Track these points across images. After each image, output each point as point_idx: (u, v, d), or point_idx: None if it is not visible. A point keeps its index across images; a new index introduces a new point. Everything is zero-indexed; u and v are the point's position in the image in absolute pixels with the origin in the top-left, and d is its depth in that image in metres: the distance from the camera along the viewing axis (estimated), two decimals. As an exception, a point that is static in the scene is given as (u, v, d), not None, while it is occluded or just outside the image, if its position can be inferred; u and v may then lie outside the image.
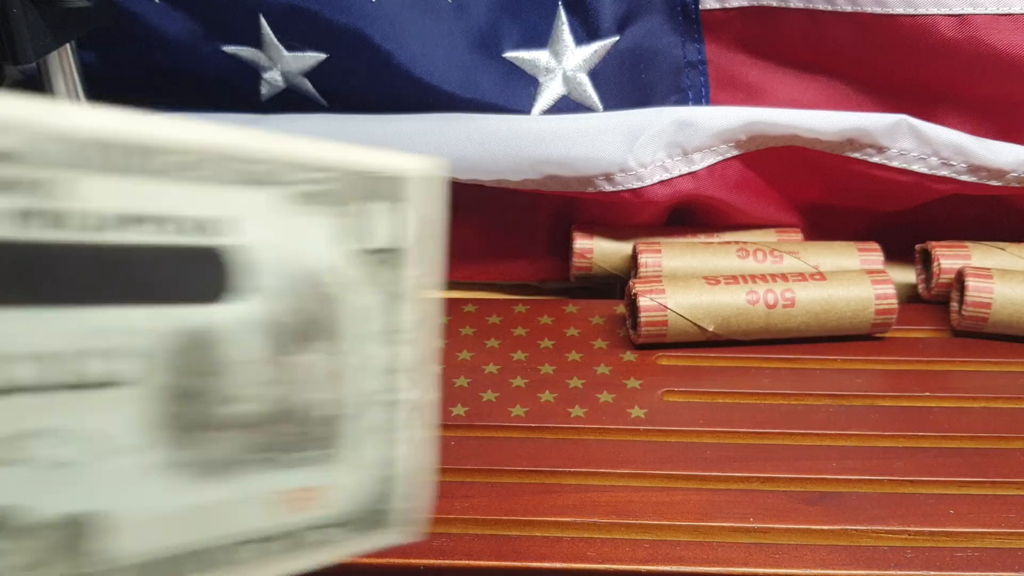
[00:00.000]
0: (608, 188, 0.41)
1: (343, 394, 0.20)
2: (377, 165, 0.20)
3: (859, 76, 0.42)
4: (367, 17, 0.41)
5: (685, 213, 0.44)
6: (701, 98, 0.44)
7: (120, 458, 0.17)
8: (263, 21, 0.43)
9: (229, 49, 0.44)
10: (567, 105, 0.43)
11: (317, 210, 0.19)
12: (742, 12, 0.42)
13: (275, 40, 0.43)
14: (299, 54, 0.43)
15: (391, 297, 0.20)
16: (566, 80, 0.43)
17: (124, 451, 0.17)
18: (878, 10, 0.40)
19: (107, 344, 0.16)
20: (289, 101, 0.44)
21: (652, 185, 0.41)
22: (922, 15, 0.39)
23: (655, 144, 0.40)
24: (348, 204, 0.19)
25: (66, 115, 0.15)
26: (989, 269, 0.39)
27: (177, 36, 0.43)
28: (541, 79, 0.43)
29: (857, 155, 0.41)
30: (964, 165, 0.40)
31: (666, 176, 0.41)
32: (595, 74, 0.42)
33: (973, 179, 0.40)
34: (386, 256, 0.20)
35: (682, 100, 0.44)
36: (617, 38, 0.42)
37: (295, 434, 0.19)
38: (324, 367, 0.19)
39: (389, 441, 0.21)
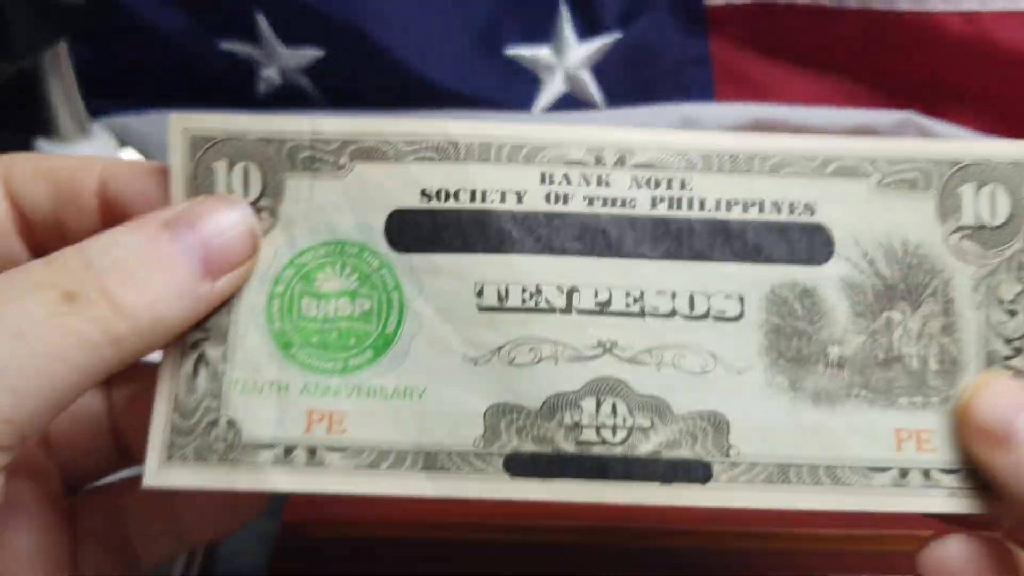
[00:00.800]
0: (611, 187, 0.40)
1: (949, 351, 0.23)
2: (960, 153, 0.24)
3: (865, 73, 0.42)
4: (366, 13, 0.41)
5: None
6: (706, 95, 0.44)
7: (736, 375, 0.23)
8: (260, 17, 0.42)
9: (225, 45, 0.43)
10: (568, 103, 0.42)
11: (906, 194, 0.23)
12: (747, 8, 0.42)
13: (272, 36, 0.42)
14: (297, 50, 0.42)
15: (986, 270, 0.23)
16: (568, 78, 0.42)
17: (740, 369, 0.23)
18: (885, 7, 0.39)
19: (728, 288, 0.23)
20: (286, 98, 0.44)
21: (655, 184, 0.40)
22: (930, 12, 0.39)
23: (658, 142, 0.40)
24: (934, 188, 0.23)
25: (680, 136, 0.23)
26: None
27: (172, 32, 0.43)
28: (542, 76, 0.42)
29: (863, 153, 0.40)
30: (972, 163, 0.40)
31: (669, 175, 0.40)
32: (598, 70, 0.42)
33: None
34: (974, 232, 0.23)
35: (686, 97, 0.44)
36: (620, 34, 0.42)
37: (897, 380, 0.23)
38: (916, 324, 0.23)
39: None
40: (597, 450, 0.23)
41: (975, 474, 0.22)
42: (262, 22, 0.42)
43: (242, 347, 0.23)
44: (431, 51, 0.41)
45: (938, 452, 0.23)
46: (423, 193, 0.23)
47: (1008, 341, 0.23)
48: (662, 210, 0.23)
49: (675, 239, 0.23)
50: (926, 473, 0.23)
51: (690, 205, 0.23)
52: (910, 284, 0.23)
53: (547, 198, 0.23)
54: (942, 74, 0.40)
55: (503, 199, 0.23)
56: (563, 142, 0.24)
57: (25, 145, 0.42)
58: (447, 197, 0.23)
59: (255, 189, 0.23)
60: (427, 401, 0.23)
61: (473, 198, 0.23)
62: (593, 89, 0.42)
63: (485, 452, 0.22)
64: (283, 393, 0.23)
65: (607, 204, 0.23)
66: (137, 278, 0.20)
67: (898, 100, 0.42)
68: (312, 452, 0.22)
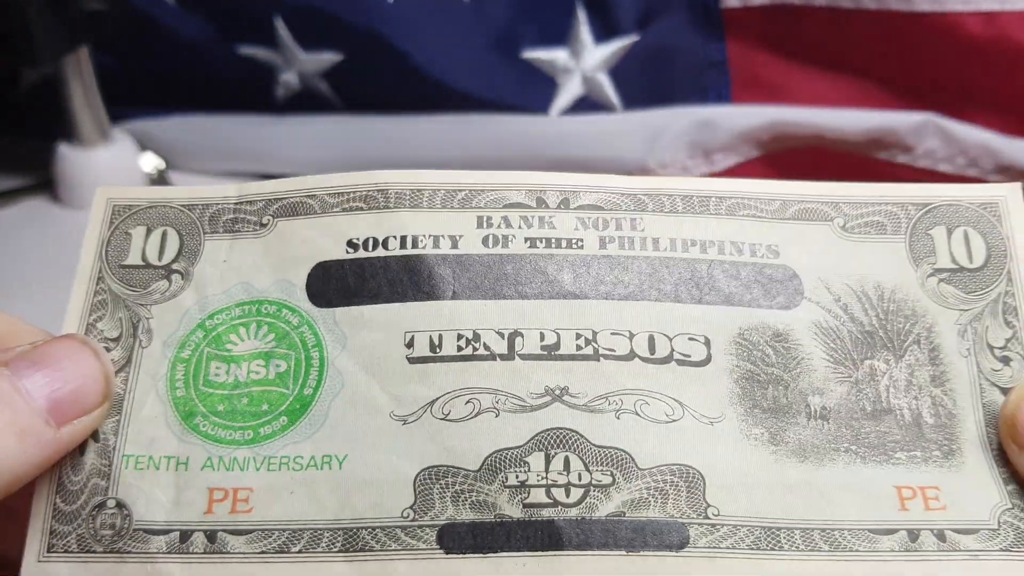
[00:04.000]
0: (628, 189, 0.40)
1: (943, 403, 0.21)
2: (927, 195, 0.23)
3: (884, 74, 0.42)
4: (384, 17, 0.41)
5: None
6: (723, 97, 0.43)
7: (708, 425, 0.20)
8: (278, 22, 0.42)
9: (244, 51, 0.43)
10: (586, 106, 0.42)
11: (874, 237, 0.22)
12: (764, 10, 0.41)
13: (291, 40, 0.42)
14: (315, 55, 0.43)
15: (970, 315, 0.22)
16: (585, 81, 0.42)
17: (711, 419, 0.20)
18: (904, 8, 0.39)
19: (692, 330, 0.21)
20: (305, 103, 0.44)
21: (673, 186, 0.40)
22: (949, 12, 0.39)
23: (676, 145, 0.40)
24: (903, 231, 0.22)
25: (627, 180, 0.22)
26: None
27: (192, 38, 0.43)
28: (559, 79, 0.42)
29: (882, 155, 0.40)
30: (992, 165, 0.39)
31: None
32: (615, 73, 0.42)
33: (1001, 179, 0.39)
34: (952, 276, 0.22)
35: (703, 100, 0.44)
36: (637, 36, 0.42)
37: (890, 433, 0.21)
38: (903, 374, 0.21)
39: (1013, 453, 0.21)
40: (548, 513, 0.19)
41: (1004, 532, 0.20)
42: (280, 27, 0.42)
43: (137, 418, 0.21)
44: (448, 55, 0.41)
45: (950, 510, 0.20)
46: (349, 243, 0.22)
47: (1005, 391, 0.21)
48: (612, 250, 0.22)
49: (628, 278, 0.22)
50: (940, 534, 0.20)
51: (643, 245, 0.22)
52: (890, 331, 0.22)
53: (485, 241, 0.22)
54: (961, 75, 0.40)
55: (436, 244, 0.22)
56: (502, 186, 0.22)
57: (47, 149, 0.43)
58: (375, 245, 0.22)
59: (170, 252, 0.22)
60: (348, 469, 0.20)
61: (404, 244, 0.22)
62: (610, 92, 0.42)
63: (415, 525, 0.19)
64: (182, 470, 0.20)
65: (551, 245, 0.22)
66: None
67: (917, 102, 0.41)
68: (212, 536, 0.19)
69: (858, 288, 0.22)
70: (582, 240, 0.22)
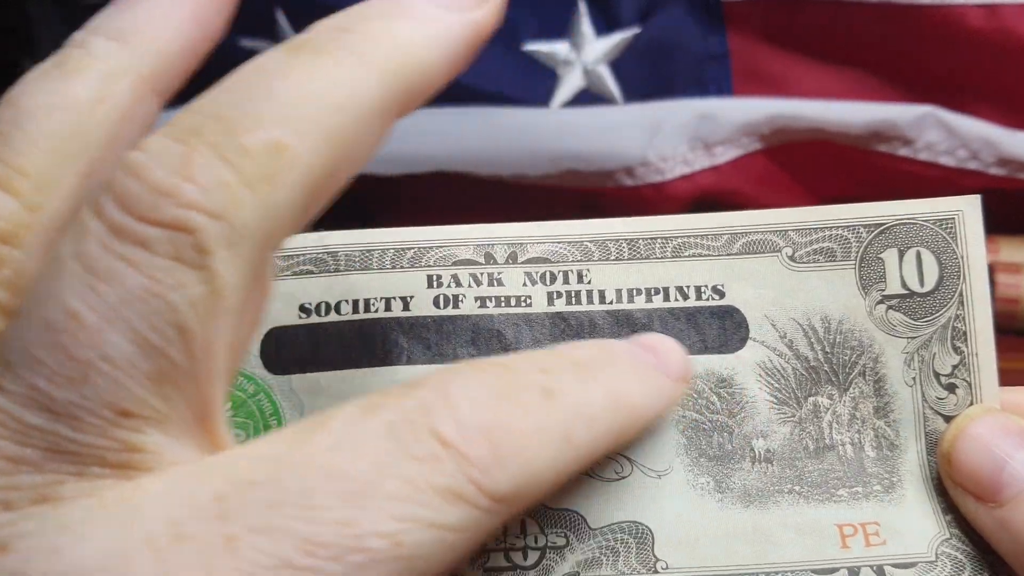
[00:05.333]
0: (628, 183, 0.40)
1: (885, 435, 0.21)
2: (879, 215, 0.22)
3: (885, 67, 0.42)
4: (384, 9, 0.41)
5: (706, 209, 0.44)
6: (724, 90, 0.43)
7: (656, 479, 0.20)
8: (279, 14, 0.42)
9: (246, 43, 0.43)
10: (586, 98, 0.42)
11: (822, 266, 0.22)
12: (765, 3, 0.41)
13: (292, 33, 0.42)
14: (316, 47, 0.42)
15: (917, 342, 0.21)
16: (586, 73, 0.42)
17: (659, 472, 0.20)
18: (905, 0, 0.39)
19: None
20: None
21: (673, 180, 0.40)
22: (950, 5, 0.38)
23: (676, 138, 0.40)
24: (853, 256, 0.21)
25: (574, 225, 0.22)
26: (1019, 264, 0.38)
27: (193, 30, 0.43)
28: (560, 71, 0.42)
29: (883, 148, 0.40)
30: (993, 158, 0.39)
31: (687, 170, 0.40)
32: (616, 66, 0.42)
33: (1002, 172, 0.39)
34: (902, 302, 0.21)
35: (704, 93, 0.44)
36: (638, 29, 0.42)
37: (832, 471, 0.21)
38: (846, 408, 0.21)
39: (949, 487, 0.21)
40: None
41: (942, 563, 0.20)
42: (282, 19, 0.42)
43: None
44: (449, 47, 0.41)
45: (890, 545, 0.20)
46: (301, 308, 0.22)
47: (949, 419, 0.21)
48: (560, 306, 0.21)
49: (576, 336, 0.21)
50: (879, 570, 0.20)
51: (589, 298, 0.22)
52: (835, 364, 0.21)
53: (436, 302, 0.21)
54: (963, 68, 0.40)
55: (388, 307, 0.21)
56: (450, 241, 0.22)
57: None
58: (327, 310, 0.21)
59: None
60: None
61: (356, 308, 0.21)
62: (611, 84, 0.42)
63: None
64: None
65: (500, 304, 0.21)
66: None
67: (919, 95, 0.41)
68: None
69: (804, 322, 0.21)
70: (530, 297, 0.22)
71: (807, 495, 0.20)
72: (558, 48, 0.42)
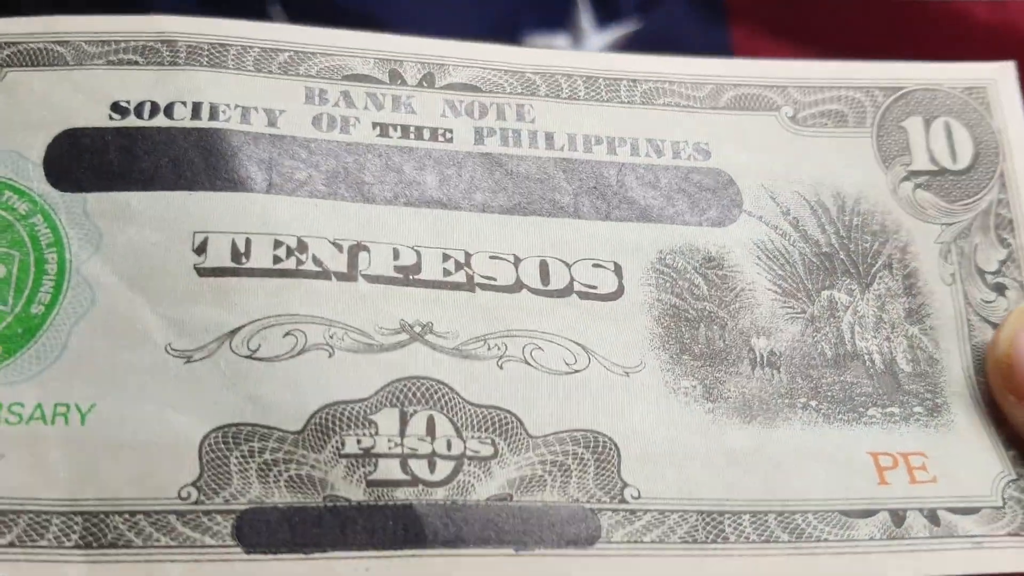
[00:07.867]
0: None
1: (922, 345, 0.16)
2: (899, 76, 0.17)
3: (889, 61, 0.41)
4: (382, 1, 0.41)
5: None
6: (725, 85, 0.43)
7: (622, 376, 0.15)
8: (274, 6, 0.42)
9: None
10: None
11: (832, 132, 0.17)
12: (768, -4, 0.41)
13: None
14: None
15: (954, 230, 0.17)
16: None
17: (626, 368, 0.15)
18: (910, -6, 0.39)
19: (598, 254, 0.16)
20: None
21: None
22: (957, 0, 0.38)
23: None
24: (868, 123, 0.17)
25: (514, 52, 0.17)
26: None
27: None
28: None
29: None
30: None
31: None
32: (616, 60, 0.42)
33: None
34: (932, 180, 0.17)
35: (705, 87, 0.43)
36: (638, 23, 0.42)
37: (859, 385, 0.16)
38: (871, 308, 0.17)
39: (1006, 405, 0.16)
40: (404, 495, 0.14)
41: (1012, 510, 0.15)
42: (277, 13, 0.42)
43: None
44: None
45: (942, 484, 0.16)
46: (115, 107, 0.17)
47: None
48: (492, 146, 0.17)
49: (513, 185, 0.16)
50: (932, 515, 0.16)
51: (532, 140, 0.16)
52: (853, 252, 0.17)
53: (316, 122, 0.17)
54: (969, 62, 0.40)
55: (245, 118, 0.16)
56: (341, 50, 0.17)
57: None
58: (153, 112, 0.16)
59: None
60: (96, 426, 0.14)
61: (197, 113, 0.16)
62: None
63: (200, 510, 0.13)
64: None
65: (408, 135, 0.16)
66: None
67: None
68: None
69: (812, 197, 0.17)
70: (451, 131, 0.16)
71: (828, 413, 0.16)
72: (557, 41, 0.42)
